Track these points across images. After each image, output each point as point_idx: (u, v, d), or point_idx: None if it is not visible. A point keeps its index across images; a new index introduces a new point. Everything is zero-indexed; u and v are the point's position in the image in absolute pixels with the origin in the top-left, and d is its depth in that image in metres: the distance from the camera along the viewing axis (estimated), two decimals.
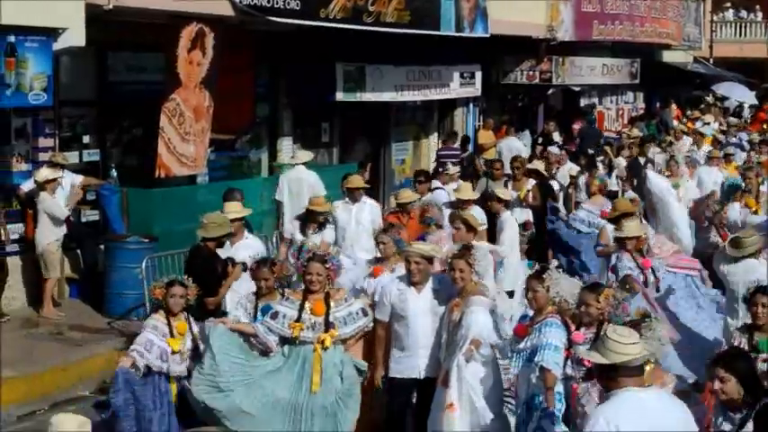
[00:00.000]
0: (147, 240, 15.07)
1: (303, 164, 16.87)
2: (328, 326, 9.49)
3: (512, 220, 13.97)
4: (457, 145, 24.30)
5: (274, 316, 9.56)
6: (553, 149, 23.34)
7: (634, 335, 6.15)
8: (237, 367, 9.39)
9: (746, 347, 8.67)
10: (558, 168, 20.75)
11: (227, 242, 11.92)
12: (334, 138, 21.68)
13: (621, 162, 21.91)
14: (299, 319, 9.47)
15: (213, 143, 17.55)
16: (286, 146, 20.15)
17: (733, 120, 33.76)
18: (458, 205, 13.86)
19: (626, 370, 5.99)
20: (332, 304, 9.59)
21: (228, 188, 14.37)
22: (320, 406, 9.38)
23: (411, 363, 9.67)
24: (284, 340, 9.57)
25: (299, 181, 16.52)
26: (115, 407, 9.23)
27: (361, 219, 14.29)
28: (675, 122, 31.71)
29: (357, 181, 14.80)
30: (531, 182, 17.01)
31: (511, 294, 13.10)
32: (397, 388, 9.77)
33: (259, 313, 9.85)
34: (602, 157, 22.33)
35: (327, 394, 9.40)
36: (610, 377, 6.06)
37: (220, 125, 17.01)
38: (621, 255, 12.15)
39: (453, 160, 21.99)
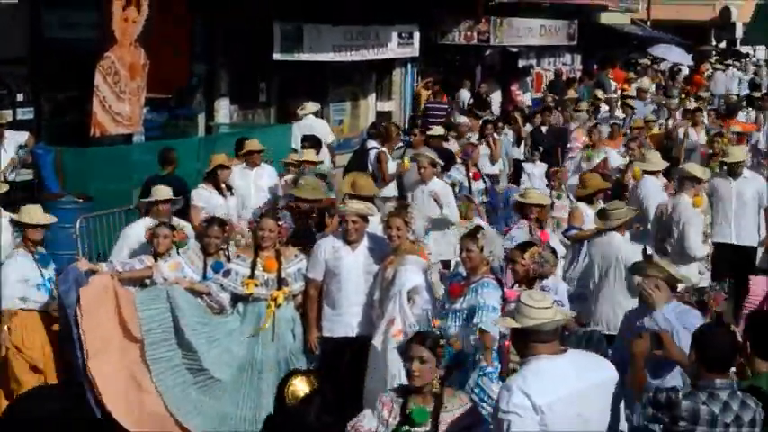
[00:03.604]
0: (81, 200, 14.88)
1: (313, 113, 18.68)
2: (281, 282, 9.56)
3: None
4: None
5: (227, 274, 9.59)
6: (462, 119, 20.75)
7: (547, 299, 5.97)
8: (200, 327, 9.37)
9: None
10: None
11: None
12: (272, 97, 21.56)
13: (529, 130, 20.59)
14: (251, 276, 9.51)
15: (149, 102, 17.39)
16: (223, 105, 20.04)
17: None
18: None
19: (539, 335, 5.81)
20: (283, 261, 9.63)
21: (164, 147, 14.28)
22: (274, 362, 9.51)
23: (343, 321, 9.70)
24: (237, 299, 9.60)
25: (311, 128, 17.61)
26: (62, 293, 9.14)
27: (260, 184, 13.91)
28: (615, 85, 31.57)
29: (255, 144, 14.40)
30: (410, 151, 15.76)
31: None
32: (330, 347, 9.77)
33: (209, 270, 9.85)
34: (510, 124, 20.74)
35: (281, 350, 9.52)
36: (523, 342, 5.89)
37: (156, 84, 16.85)
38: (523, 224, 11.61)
39: (441, 114, 21.90)
